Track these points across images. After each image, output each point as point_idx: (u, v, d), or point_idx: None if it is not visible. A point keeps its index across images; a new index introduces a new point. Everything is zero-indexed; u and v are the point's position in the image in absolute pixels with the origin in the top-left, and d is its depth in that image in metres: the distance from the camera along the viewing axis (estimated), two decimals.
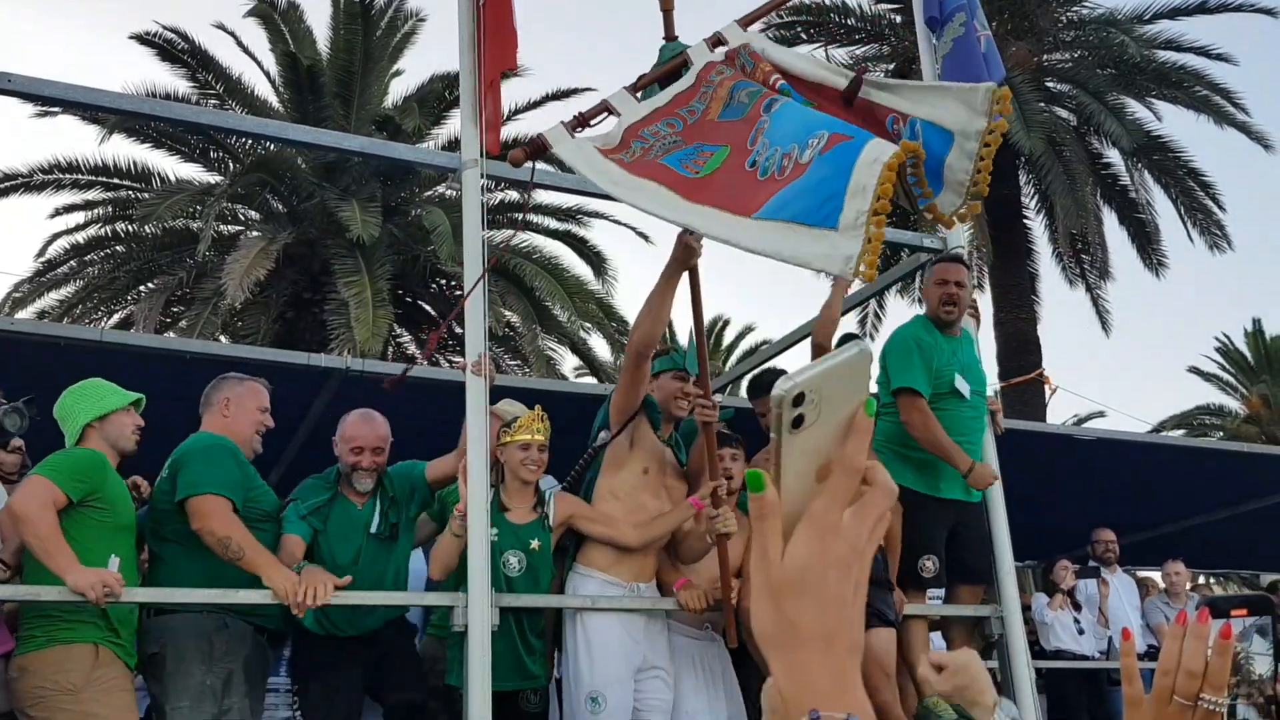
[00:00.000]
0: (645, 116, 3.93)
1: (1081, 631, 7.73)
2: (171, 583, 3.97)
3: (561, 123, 4.11)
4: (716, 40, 4.03)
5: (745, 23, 4.08)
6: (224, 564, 3.86)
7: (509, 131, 14.58)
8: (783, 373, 4.96)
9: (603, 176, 3.78)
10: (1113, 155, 15.72)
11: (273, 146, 14.12)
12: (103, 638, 3.76)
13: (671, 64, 4.11)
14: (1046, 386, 14.41)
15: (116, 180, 14.72)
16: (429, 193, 15.25)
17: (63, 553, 3.61)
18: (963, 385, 4.86)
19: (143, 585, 4.04)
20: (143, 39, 14.21)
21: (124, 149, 16.35)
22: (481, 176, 4.27)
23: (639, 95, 4.08)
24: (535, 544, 4.30)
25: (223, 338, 13.82)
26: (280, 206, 14.78)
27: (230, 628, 3.94)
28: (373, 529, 4.31)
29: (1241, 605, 1.27)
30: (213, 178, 14.69)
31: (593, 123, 4.14)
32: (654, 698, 4.33)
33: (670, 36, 4.23)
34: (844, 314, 6.21)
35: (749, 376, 4.99)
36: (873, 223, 3.01)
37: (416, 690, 4.22)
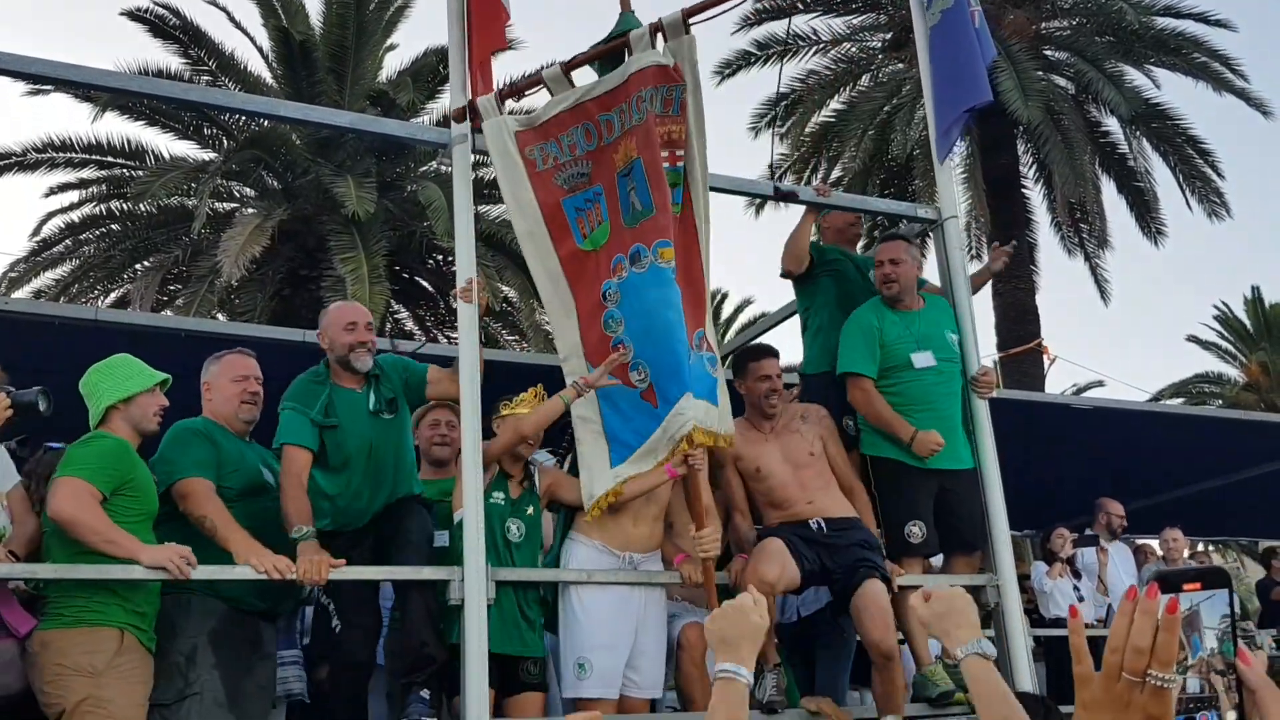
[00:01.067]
0: (571, 108, 4.09)
1: (1081, 599, 7.76)
2: None
3: (496, 91, 4.17)
4: (657, 27, 4.00)
5: (688, 13, 4.01)
6: (195, 544, 3.86)
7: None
8: (765, 346, 5.06)
9: (508, 176, 4.07)
10: (1111, 123, 15.67)
11: (266, 123, 14.04)
12: (128, 623, 3.76)
13: (611, 45, 4.14)
14: (1045, 356, 14.42)
15: (110, 158, 14.66)
16: (424, 168, 15.18)
17: (125, 538, 3.68)
18: (921, 358, 4.94)
19: None
20: (134, 15, 14.10)
21: (117, 127, 16.33)
22: (472, 151, 4.25)
23: (571, 76, 4.24)
24: (530, 510, 4.43)
25: (220, 315, 13.80)
26: (275, 183, 14.72)
27: (193, 604, 3.91)
28: (370, 407, 4.31)
29: (1195, 579, 1.25)
30: (207, 155, 14.63)
31: (527, 93, 4.28)
32: (649, 669, 4.36)
33: (627, 8, 4.33)
34: None
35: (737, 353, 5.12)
36: (622, 486, 3.99)
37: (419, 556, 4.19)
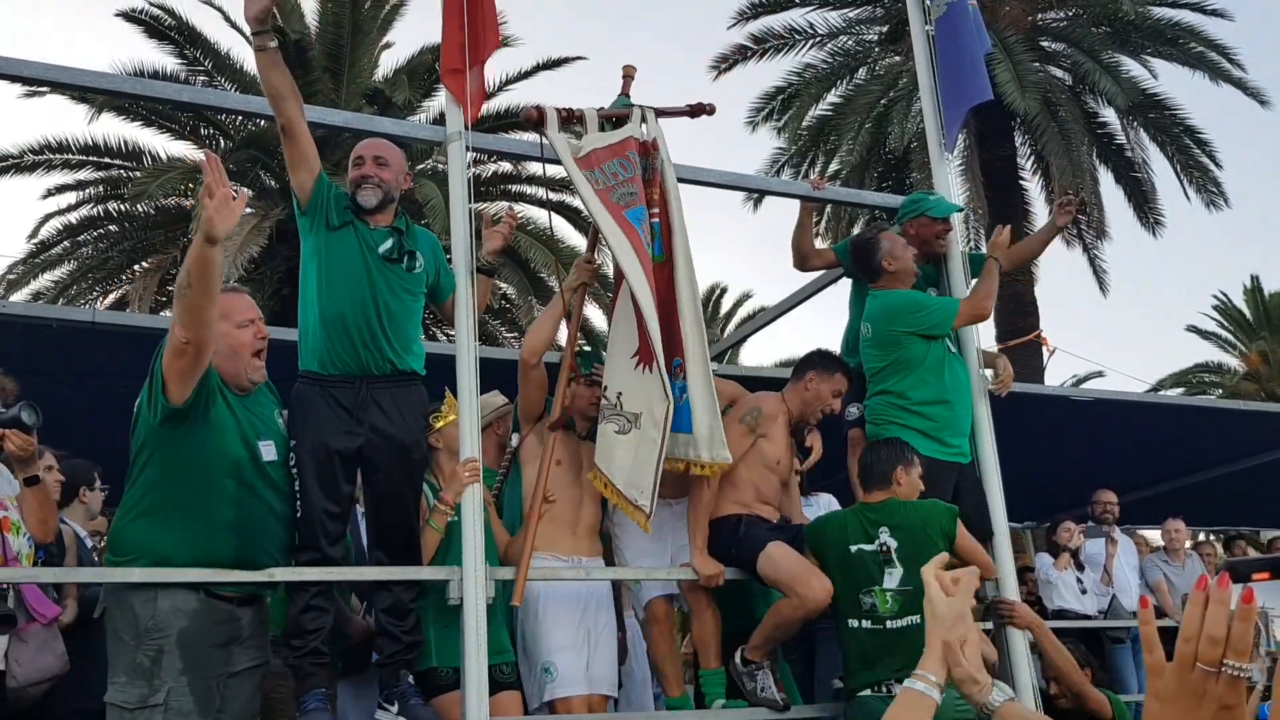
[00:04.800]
0: (600, 149, 4.34)
1: (1084, 591, 7.77)
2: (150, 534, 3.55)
3: (555, 108, 4.30)
4: (643, 118, 4.52)
5: (659, 112, 4.59)
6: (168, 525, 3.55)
7: (501, 103, 14.52)
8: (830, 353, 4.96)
9: (582, 184, 4.24)
10: (1108, 114, 15.65)
11: (263, 123, 14.01)
12: None
13: (617, 114, 4.52)
14: (1044, 348, 14.39)
15: (107, 160, 14.64)
16: (421, 166, 15.17)
17: None
18: (953, 345, 4.98)
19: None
20: (129, 16, 14.07)
21: (114, 127, 16.33)
22: (467, 149, 4.25)
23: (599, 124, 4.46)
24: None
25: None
26: (272, 182, 14.70)
27: (160, 600, 3.45)
28: (382, 250, 4.07)
29: (1263, 569, 1.24)
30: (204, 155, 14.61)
31: (572, 122, 4.45)
32: (604, 668, 4.45)
33: (625, 91, 4.65)
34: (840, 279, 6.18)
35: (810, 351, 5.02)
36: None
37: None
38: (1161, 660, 1.17)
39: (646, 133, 4.47)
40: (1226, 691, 1.12)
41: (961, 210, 5.17)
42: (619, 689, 4.73)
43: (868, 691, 4.17)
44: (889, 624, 4.18)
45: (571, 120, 4.40)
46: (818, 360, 4.89)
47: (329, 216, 4.07)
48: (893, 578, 4.21)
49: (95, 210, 14.90)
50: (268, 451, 3.72)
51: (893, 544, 4.24)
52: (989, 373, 5.20)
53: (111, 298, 15.01)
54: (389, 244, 4.11)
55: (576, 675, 4.28)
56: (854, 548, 4.28)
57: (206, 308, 3.32)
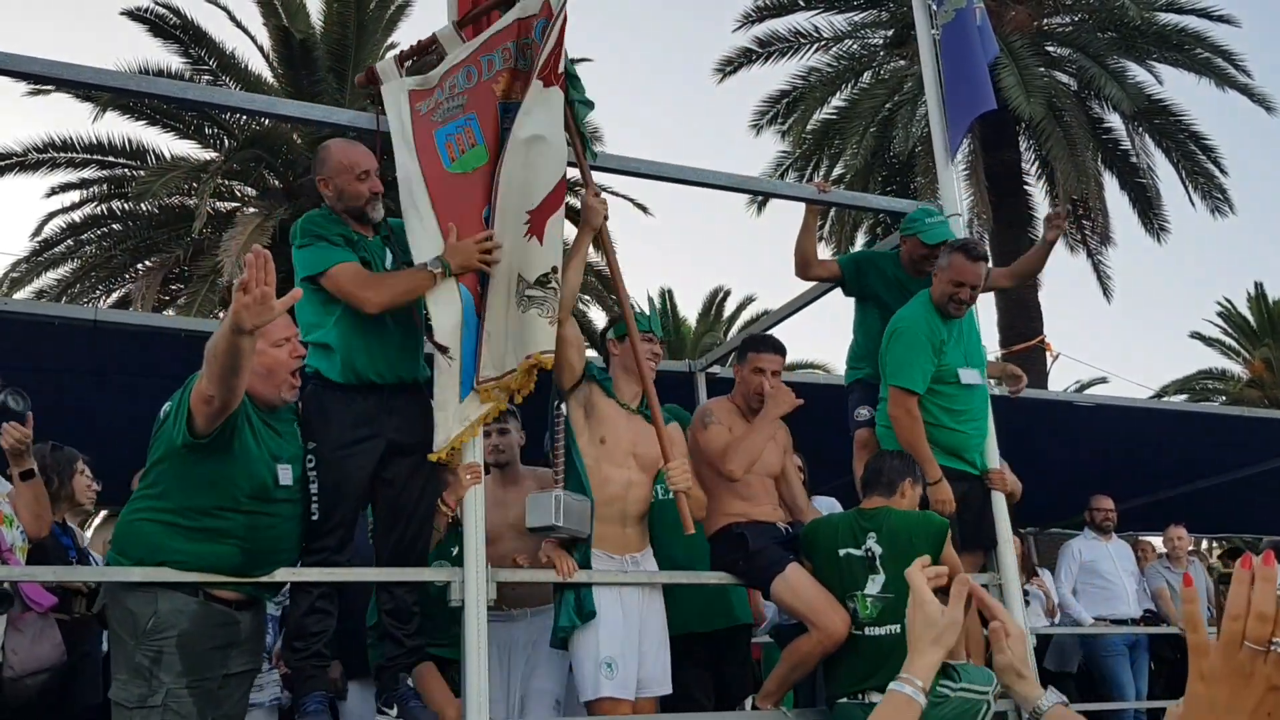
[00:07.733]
0: (461, 60, 4.04)
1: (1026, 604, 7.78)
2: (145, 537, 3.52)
3: (395, 56, 4.15)
4: None
5: None
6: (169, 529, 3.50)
7: None
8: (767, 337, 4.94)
9: (399, 132, 4.00)
10: (1113, 119, 15.63)
11: (268, 122, 14.02)
12: None
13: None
14: (1048, 353, 14.40)
15: (111, 158, 14.62)
16: None
17: None
18: (968, 375, 4.82)
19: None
20: (134, 14, 14.07)
21: (118, 126, 16.32)
22: None
23: (464, 35, 4.14)
24: (455, 550, 4.29)
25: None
26: (276, 182, 14.70)
27: (160, 602, 3.41)
28: (387, 264, 4.09)
29: None
30: (208, 154, 14.60)
31: (430, 51, 4.16)
32: (656, 666, 4.30)
33: None
34: None
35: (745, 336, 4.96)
36: (471, 428, 3.83)
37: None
38: (1205, 640, 1.14)
39: (537, 3, 4.00)
40: (1275, 671, 1.08)
41: (953, 239, 5.04)
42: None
43: (845, 699, 4.18)
44: (867, 630, 4.18)
45: (427, 50, 4.12)
46: (736, 356, 4.93)
47: (331, 242, 4.08)
48: (875, 584, 4.21)
49: (99, 209, 14.89)
50: (285, 476, 3.65)
51: (878, 550, 4.24)
52: (993, 384, 5.19)
53: (114, 296, 15.00)
54: (389, 258, 4.13)
55: (630, 678, 4.14)
56: (842, 552, 4.29)
57: (233, 380, 3.24)
